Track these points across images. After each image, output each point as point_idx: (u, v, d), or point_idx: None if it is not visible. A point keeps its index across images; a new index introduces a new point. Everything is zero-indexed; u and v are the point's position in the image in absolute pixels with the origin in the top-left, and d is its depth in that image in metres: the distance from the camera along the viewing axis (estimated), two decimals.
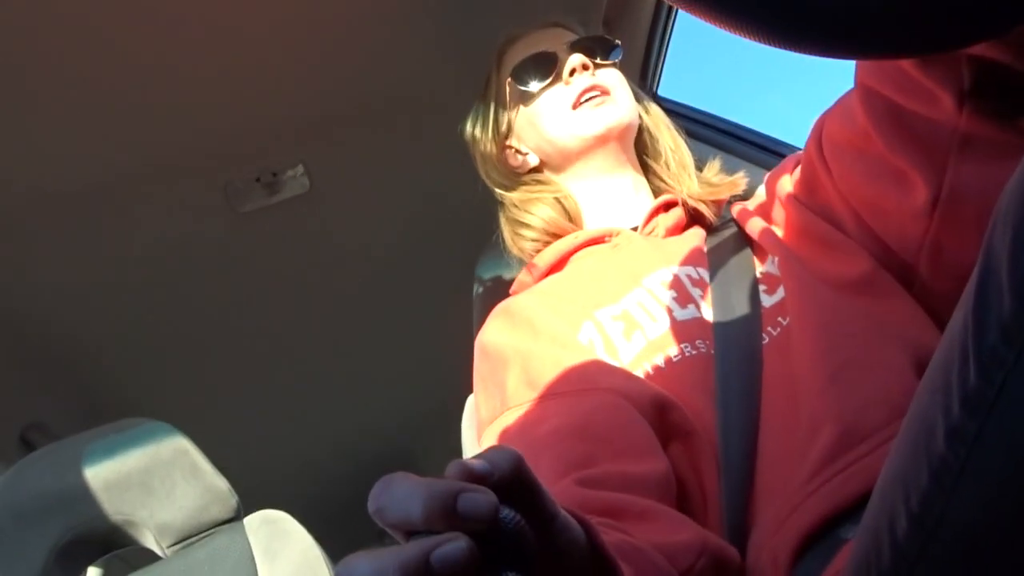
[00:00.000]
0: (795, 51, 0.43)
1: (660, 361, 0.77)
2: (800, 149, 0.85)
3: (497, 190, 1.06)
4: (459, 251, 1.42)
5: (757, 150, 1.30)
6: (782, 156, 1.17)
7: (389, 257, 1.90)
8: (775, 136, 1.31)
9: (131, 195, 1.55)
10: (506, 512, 0.36)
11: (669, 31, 1.55)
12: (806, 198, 0.82)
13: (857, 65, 0.69)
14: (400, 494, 0.34)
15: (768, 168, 0.98)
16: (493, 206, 1.09)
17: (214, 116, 1.48)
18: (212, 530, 1.13)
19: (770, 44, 0.43)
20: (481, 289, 1.25)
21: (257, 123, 1.54)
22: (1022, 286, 0.34)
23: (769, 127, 1.32)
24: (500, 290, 0.96)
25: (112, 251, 1.64)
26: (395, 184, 1.79)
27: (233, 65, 1.40)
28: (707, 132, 1.38)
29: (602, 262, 0.92)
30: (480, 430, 0.82)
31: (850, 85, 0.71)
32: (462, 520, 0.33)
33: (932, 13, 0.40)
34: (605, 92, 0.97)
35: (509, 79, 1.03)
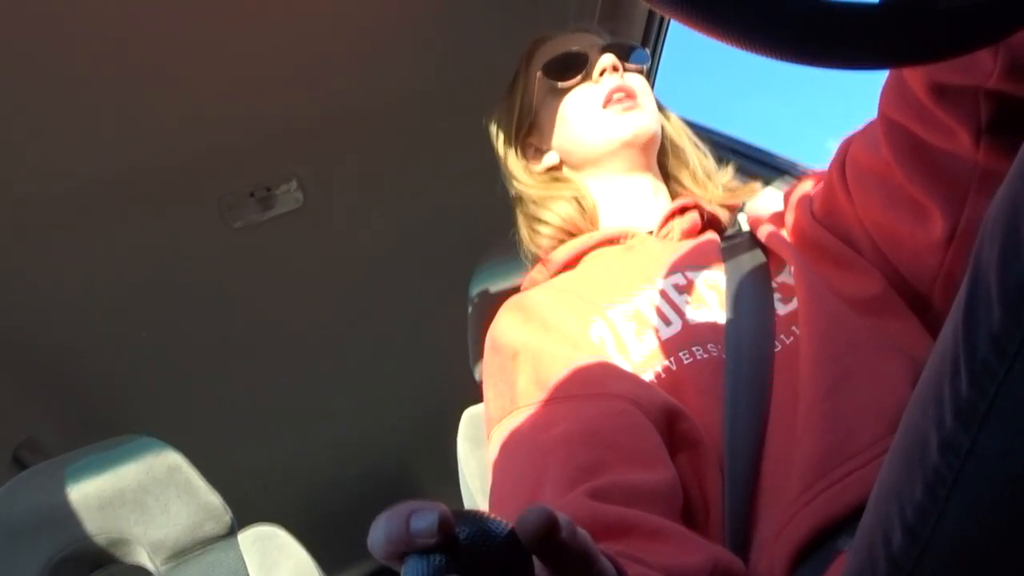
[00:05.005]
0: (779, 59, 0.44)
1: (671, 362, 0.76)
2: (788, 162, 0.86)
3: (516, 185, 1.06)
4: (453, 265, 1.42)
5: (753, 163, 1.30)
6: (775, 169, 1.17)
7: (382, 271, 1.90)
8: (760, 146, 1.32)
9: (123, 210, 1.55)
10: (496, 523, 0.37)
11: (661, 44, 1.56)
12: (824, 217, 0.82)
13: (880, 95, 0.69)
14: (376, 526, 0.36)
15: (763, 180, 0.99)
16: (487, 220, 1.09)
17: (207, 131, 1.48)
18: (206, 547, 1.13)
19: (755, 52, 0.43)
20: (474, 304, 1.25)
21: (251, 138, 1.54)
22: (1010, 299, 0.34)
23: (757, 136, 1.33)
24: (494, 304, 0.96)
25: (103, 267, 1.63)
26: (388, 198, 1.79)
27: (227, 79, 1.40)
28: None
29: (615, 262, 0.92)
30: (488, 427, 0.82)
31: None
32: (415, 537, 0.35)
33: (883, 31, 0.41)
34: (631, 95, 0.98)
35: (539, 73, 1.03)
